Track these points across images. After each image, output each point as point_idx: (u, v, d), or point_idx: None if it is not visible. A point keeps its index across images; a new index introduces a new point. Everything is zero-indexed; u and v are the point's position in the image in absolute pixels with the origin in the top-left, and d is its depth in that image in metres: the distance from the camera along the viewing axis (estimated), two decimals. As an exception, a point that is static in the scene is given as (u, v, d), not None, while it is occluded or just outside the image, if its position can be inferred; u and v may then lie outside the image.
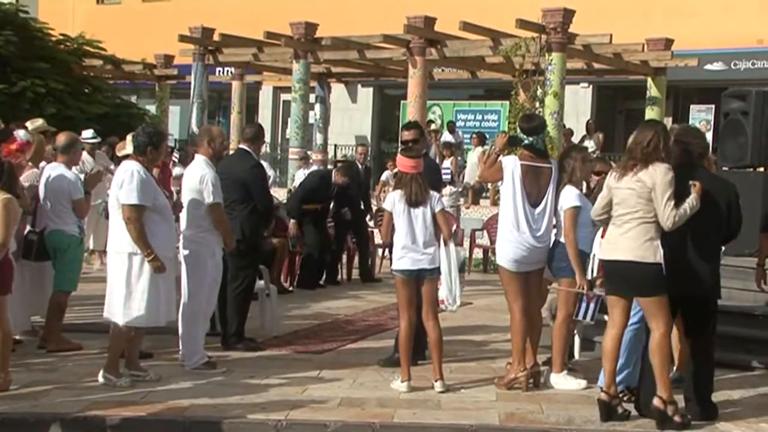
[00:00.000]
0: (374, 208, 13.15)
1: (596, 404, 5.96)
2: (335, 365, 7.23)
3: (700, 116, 18.45)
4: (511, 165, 6.59)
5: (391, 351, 7.36)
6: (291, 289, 10.88)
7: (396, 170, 7.04)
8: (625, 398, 6.14)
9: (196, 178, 6.97)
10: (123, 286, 6.39)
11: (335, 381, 6.76)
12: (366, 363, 7.28)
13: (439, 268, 6.51)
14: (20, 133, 7.82)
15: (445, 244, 6.50)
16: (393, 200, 6.59)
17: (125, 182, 6.37)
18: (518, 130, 6.83)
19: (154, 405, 6.02)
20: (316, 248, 11.15)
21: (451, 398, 6.40)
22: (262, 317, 8.47)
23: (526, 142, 6.66)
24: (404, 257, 6.54)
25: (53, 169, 7.54)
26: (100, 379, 6.46)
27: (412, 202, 6.53)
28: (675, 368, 6.40)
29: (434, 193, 6.68)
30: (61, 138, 7.70)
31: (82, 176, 8.07)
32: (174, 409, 5.94)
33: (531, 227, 6.52)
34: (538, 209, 6.57)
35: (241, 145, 8.03)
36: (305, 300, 10.26)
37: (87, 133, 12.39)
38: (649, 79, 16.35)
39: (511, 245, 6.55)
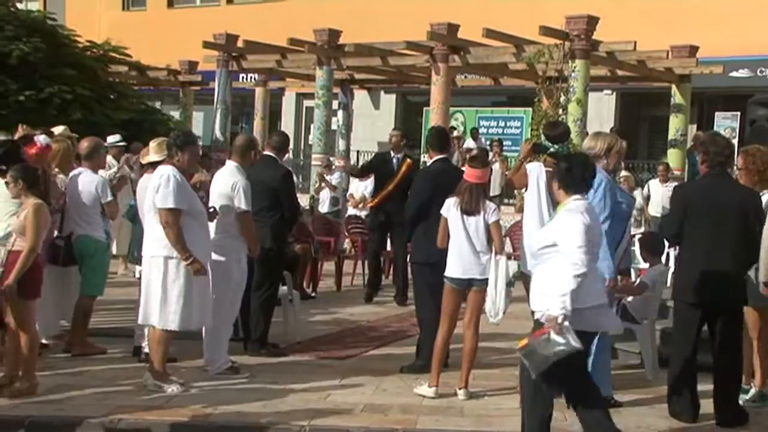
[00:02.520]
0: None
1: (620, 412, 5.95)
2: (358, 371, 7.24)
3: (726, 123, 18.33)
4: (536, 171, 6.61)
5: (413, 357, 7.38)
6: (313, 294, 10.91)
7: None
8: None
9: (228, 185, 7.01)
10: (159, 291, 6.42)
11: (358, 387, 6.77)
12: (389, 369, 7.27)
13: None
14: (40, 138, 7.90)
15: (496, 255, 6.48)
16: (449, 206, 6.60)
17: (161, 186, 6.40)
18: (542, 137, 6.82)
19: (178, 410, 6.05)
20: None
21: (474, 405, 6.40)
22: (285, 323, 8.50)
23: (551, 150, 6.65)
24: (455, 265, 6.56)
25: (79, 175, 7.61)
26: (146, 384, 6.47)
27: (465, 210, 6.53)
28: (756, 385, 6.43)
29: (491, 204, 6.64)
30: (85, 143, 7.77)
31: (108, 175, 8.13)
32: (197, 414, 5.98)
33: None
34: None
35: (268, 152, 8.07)
36: (328, 306, 10.27)
37: (113, 138, 12.52)
38: (674, 86, 16.29)
39: None
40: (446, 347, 6.67)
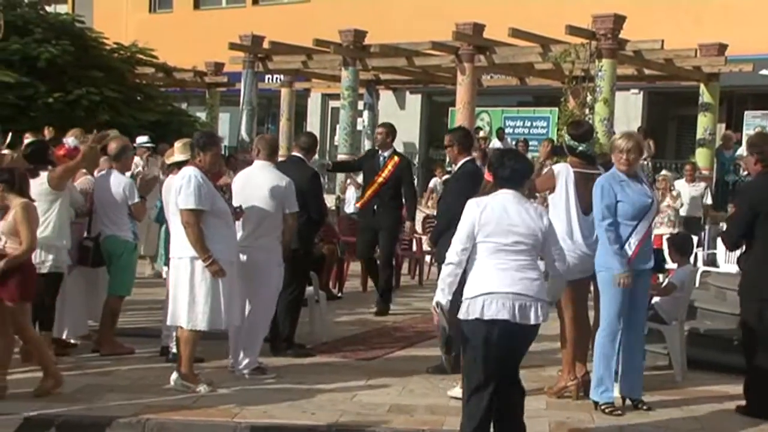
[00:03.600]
0: (422, 214, 13.11)
1: (648, 414, 5.91)
2: (384, 372, 7.23)
3: (755, 122, 18.14)
4: (564, 173, 6.53)
5: (439, 358, 7.35)
6: (339, 295, 10.92)
7: (445, 177, 7.05)
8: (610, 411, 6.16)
9: (273, 186, 6.99)
10: (187, 291, 6.44)
11: (384, 387, 6.77)
12: (415, 370, 7.26)
13: None
14: (69, 140, 7.99)
15: None
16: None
17: (183, 187, 6.42)
18: (566, 137, 6.76)
19: (205, 409, 6.07)
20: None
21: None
22: (312, 323, 8.51)
23: (580, 148, 6.61)
24: None
25: (107, 176, 7.67)
26: (174, 385, 6.49)
27: None
28: None
29: None
30: (113, 145, 7.83)
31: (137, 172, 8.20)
32: (225, 414, 5.99)
33: (584, 235, 6.43)
34: (590, 217, 6.49)
35: (296, 153, 8.07)
36: (354, 306, 10.28)
37: (142, 139, 12.63)
38: (702, 85, 16.15)
39: (568, 256, 6.50)
40: None
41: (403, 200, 10.08)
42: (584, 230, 6.45)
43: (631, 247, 6.16)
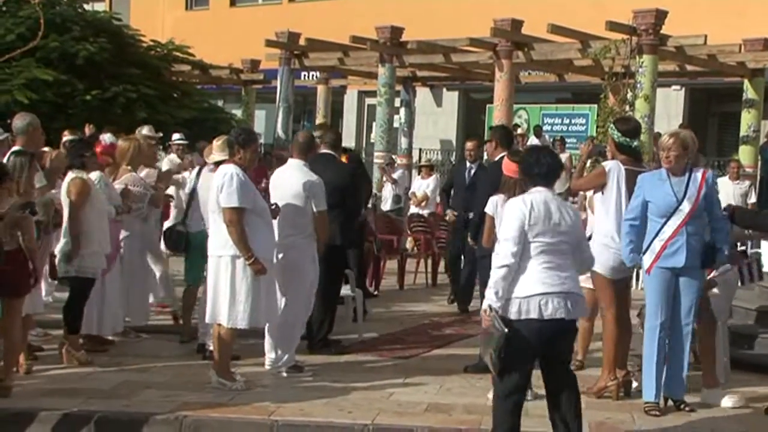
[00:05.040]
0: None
1: (690, 416, 5.80)
2: (421, 370, 7.18)
3: (799, 118, 17.81)
4: (615, 170, 6.45)
5: (477, 357, 7.27)
6: (376, 293, 10.86)
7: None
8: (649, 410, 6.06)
9: (301, 184, 6.96)
10: (228, 289, 6.42)
11: (421, 386, 6.71)
12: (452, 369, 7.20)
13: None
14: (105, 137, 8.09)
15: None
16: (496, 204, 6.46)
17: (225, 185, 6.39)
18: (614, 133, 6.63)
19: (241, 407, 6.06)
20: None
21: (540, 406, 6.23)
22: (348, 321, 8.47)
23: (634, 144, 6.55)
24: None
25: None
26: (213, 382, 6.48)
27: None
28: None
29: None
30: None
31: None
32: (261, 412, 5.97)
33: None
34: None
35: (326, 150, 8.03)
36: (390, 304, 10.23)
37: (176, 136, 12.71)
38: (746, 81, 15.89)
39: (611, 252, 6.40)
40: None
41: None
42: None
43: (658, 244, 6.10)
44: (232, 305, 6.40)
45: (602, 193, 6.52)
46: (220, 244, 6.50)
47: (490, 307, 4.96)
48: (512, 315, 4.98)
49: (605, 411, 6.18)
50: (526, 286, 4.99)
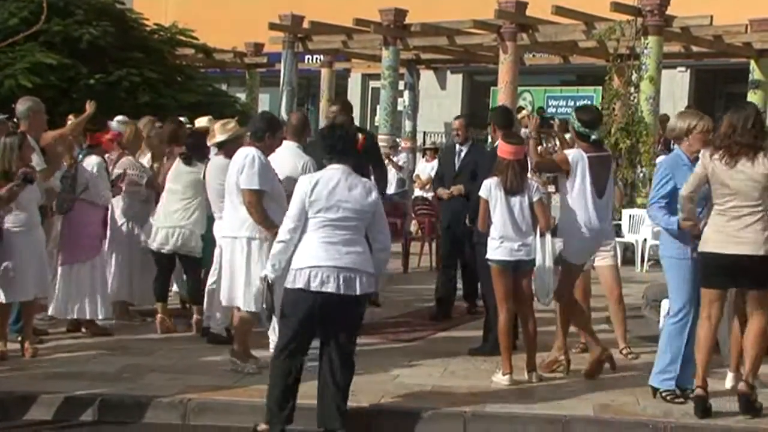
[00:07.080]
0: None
1: (694, 398, 5.78)
2: (426, 353, 7.18)
3: (806, 100, 17.70)
4: (579, 160, 6.40)
5: (480, 340, 7.28)
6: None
7: None
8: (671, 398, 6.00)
9: (298, 167, 6.91)
10: (243, 272, 6.42)
11: (426, 369, 6.73)
12: (456, 351, 7.21)
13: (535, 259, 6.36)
14: (112, 124, 8.10)
15: (542, 234, 6.32)
16: (489, 187, 6.44)
17: (246, 167, 6.35)
18: (576, 123, 6.55)
19: (245, 389, 6.08)
20: None
21: (545, 388, 6.29)
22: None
23: (593, 137, 6.49)
24: (500, 247, 6.39)
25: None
26: (226, 362, 6.50)
27: (509, 189, 6.37)
28: None
29: (533, 182, 6.51)
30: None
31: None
32: (265, 394, 5.95)
33: (600, 217, 6.45)
34: (603, 199, 6.47)
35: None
36: (395, 287, 10.22)
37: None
38: (753, 62, 15.81)
39: (585, 242, 6.47)
40: (510, 331, 6.50)
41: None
42: (600, 212, 6.44)
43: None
44: (248, 289, 6.39)
45: (567, 180, 6.44)
46: (236, 225, 6.49)
47: (265, 276, 5.35)
48: (288, 284, 5.27)
49: (611, 393, 6.16)
50: (300, 259, 5.25)
